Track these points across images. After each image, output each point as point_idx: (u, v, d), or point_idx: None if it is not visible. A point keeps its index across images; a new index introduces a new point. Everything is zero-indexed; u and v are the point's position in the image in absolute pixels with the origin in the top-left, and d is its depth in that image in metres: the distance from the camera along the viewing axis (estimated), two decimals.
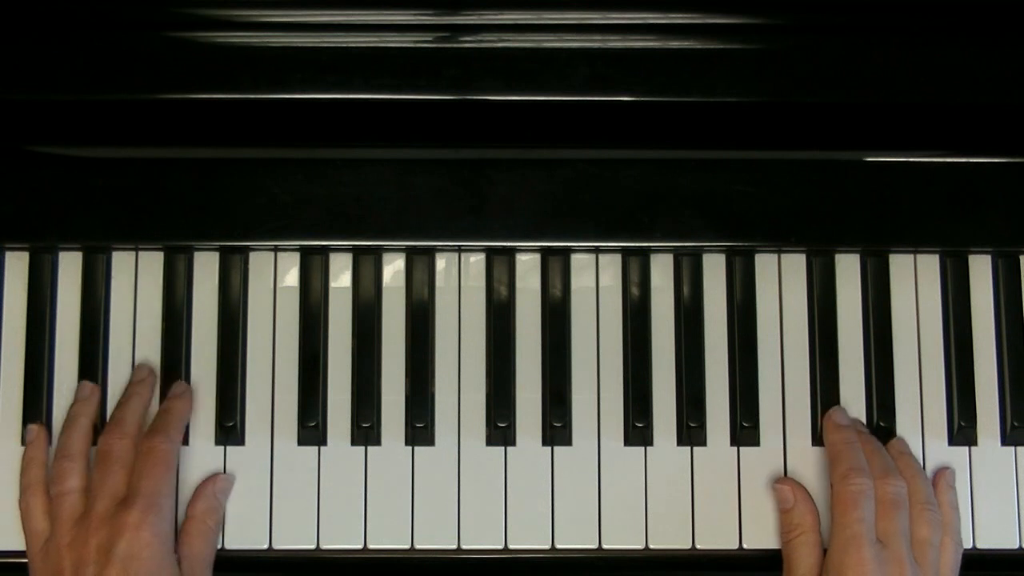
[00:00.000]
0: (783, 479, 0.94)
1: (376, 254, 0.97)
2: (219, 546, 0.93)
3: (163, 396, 0.95)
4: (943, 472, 0.95)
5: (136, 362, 0.96)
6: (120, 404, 0.94)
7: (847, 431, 0.93)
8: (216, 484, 0.93)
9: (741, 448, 0.95)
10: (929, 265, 0.98)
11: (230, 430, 0.94)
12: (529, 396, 0.95)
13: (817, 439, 0.96)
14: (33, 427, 0.94)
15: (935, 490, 0.94)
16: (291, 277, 0.97)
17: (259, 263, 0.97)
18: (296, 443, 0.95)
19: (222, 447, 0.95)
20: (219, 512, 0.93)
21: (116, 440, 0.91)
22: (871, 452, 0.93)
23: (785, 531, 0.93)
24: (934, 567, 0.90)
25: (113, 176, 0.94)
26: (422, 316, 0.96)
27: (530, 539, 0.94)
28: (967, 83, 0.94)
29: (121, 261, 0.97)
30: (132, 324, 0.96)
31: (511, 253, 0.97)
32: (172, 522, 0.89)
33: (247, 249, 0.97)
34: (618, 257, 0.97)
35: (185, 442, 0.94)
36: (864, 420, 0.96)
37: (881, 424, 0.95)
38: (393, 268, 0.97)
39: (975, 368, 0.97)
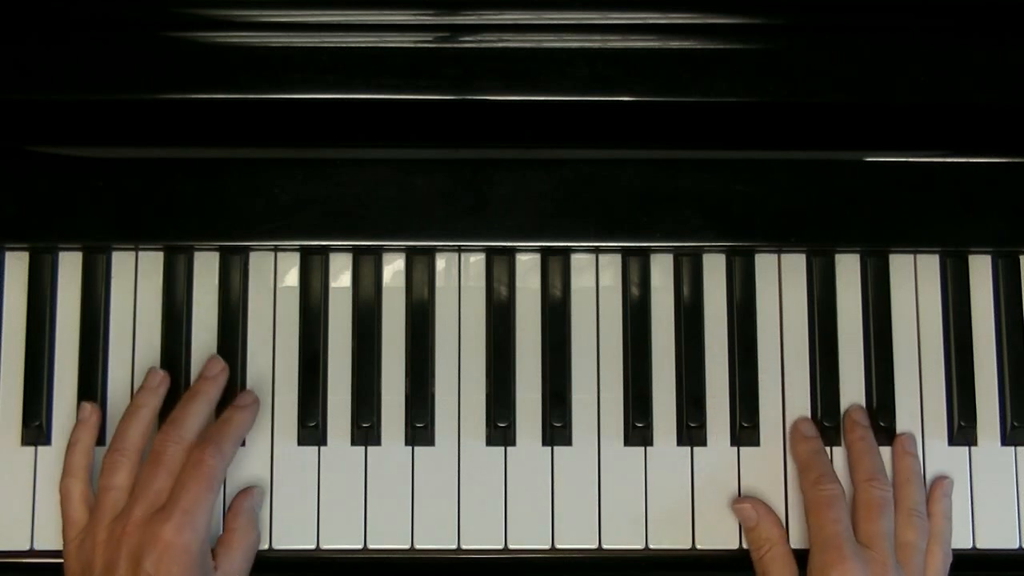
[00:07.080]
0: (742, 498, 0.94)
1: (376, 254, 0.97)
2: None
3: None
4: (940, 481, 0.94)
5: (136, 363, 0.95)
6: (184, 401, 0.91)
7: (814, 441, 0.93)
8: (253, 499, 0.91)
9: (741, 448, 0.95)
10: (929, 265, 0.98)
11: None
12: (529, 396, 0.95)
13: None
14: (87, 406, 0.92)
15: (930, 498, 0.93)
16: (291, 277, 0.97)
17: (259, 263, 0.97)
18: (296, 443, 0.95)
19: None
20: (257, 527, 0.91)
21: (171, 444, 0.88)
22: (863, 452, 0.93)
23: (755, 548, 0.92)
24: (918, 571, 0.89)
25: (113, 176, 0.94)
26: (422, 316, 0.96)
27: (530, 539, 0.94)
28: (967, 83, 0.94)
29: (121, 261, 0.97)
30: (132, 324, 0.96)
31: (511, 253, 0.97)
32: (207, 538, 0.86)
33: (247, 249, 0.97)
34: (618, 257, 0.97)
35: None
36: None
37: (881, 424, 0.95)
38: (393, 268, 0.97)
39: (975, 368, 0.97)
